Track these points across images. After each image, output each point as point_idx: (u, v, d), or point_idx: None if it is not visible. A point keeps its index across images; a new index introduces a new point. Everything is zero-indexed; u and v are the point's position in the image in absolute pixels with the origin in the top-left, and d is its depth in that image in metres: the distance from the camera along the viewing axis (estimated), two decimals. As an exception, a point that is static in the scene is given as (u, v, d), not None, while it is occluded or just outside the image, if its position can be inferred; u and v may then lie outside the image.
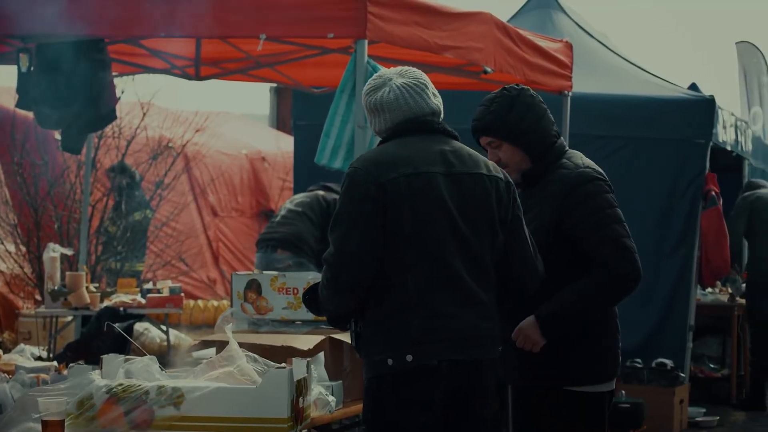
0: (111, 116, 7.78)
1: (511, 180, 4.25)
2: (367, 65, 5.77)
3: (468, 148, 4.22)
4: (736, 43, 15.76)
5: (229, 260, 14.00)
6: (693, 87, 10.76)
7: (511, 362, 4.50)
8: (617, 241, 4.49)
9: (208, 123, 13.35)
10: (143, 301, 8.54)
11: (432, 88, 4.22)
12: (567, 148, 4.69)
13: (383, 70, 4.29)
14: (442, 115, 4.23)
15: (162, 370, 4.15)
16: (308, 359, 4.25)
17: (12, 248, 10.59)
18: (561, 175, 4.55)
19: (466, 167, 4.12)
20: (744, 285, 11.06)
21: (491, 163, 4.22)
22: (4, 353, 6.71)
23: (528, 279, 4.26)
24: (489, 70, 7.13)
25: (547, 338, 4.45)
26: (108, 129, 10.73)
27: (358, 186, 4.01)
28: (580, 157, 4.66)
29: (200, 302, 12.81)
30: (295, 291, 5.38)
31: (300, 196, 9.27)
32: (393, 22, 6.02)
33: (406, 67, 4.28)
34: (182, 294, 8.74)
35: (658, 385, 9.37)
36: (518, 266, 4.22)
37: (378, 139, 4.28)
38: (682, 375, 9.59)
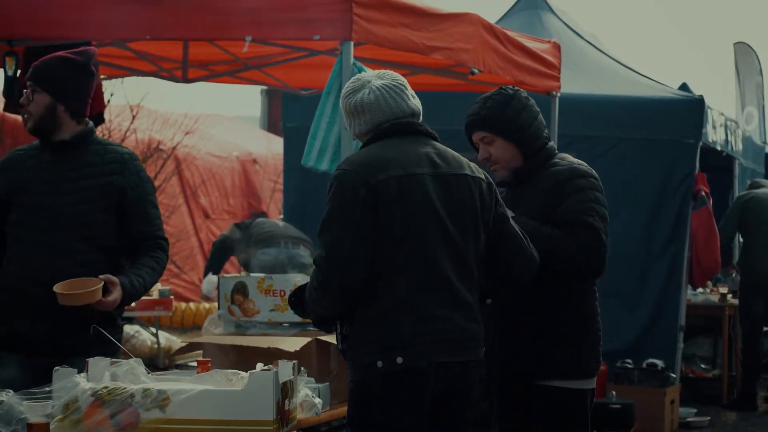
0: (99, 120, 7.76)
1: (492, 181, 4.27)
2: (353, 67, 5.77)
3: (450, 149, 4.23)
4: (734, 44, 15.81)
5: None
6: (683, 87, 10.79)
7: (496, 357, 4.52)
8: (596, 232, 4.55)
9: (199, 125, 13.34)
10: (133, 303, 8.52)
11: (411, 90, 4.24)
12: (557, 151, 4.77)
13: (361, 74, 4.30)
14: (421, 117, 4.24)
15: (148, 372, 4.14)
16: (294, 361, 4.25)
17: (3, 252, 10.57)
18: (554, 171, 4.64)
19: (451, 168, 4.14)
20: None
21: (473, 165, 4.24)
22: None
23: (524, 267, 4.28)
24: (476, 71, 7.14)
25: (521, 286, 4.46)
26: (97, 132, 10.70)
27: (348, 188, 4.00)
28: (571, 158, 4.77)
29: (191, 305, 12.79)
30: (282, 293, 5.39)
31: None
32: (379, 23, 6.01)
33: (383, 71, 4.31)
34: (172, 296, 8.73)
35: (649, 385, 9.38)
36: (513, 255, 4.24)
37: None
38: (673, 375, 9.60)
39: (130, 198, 4.85)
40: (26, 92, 4.80)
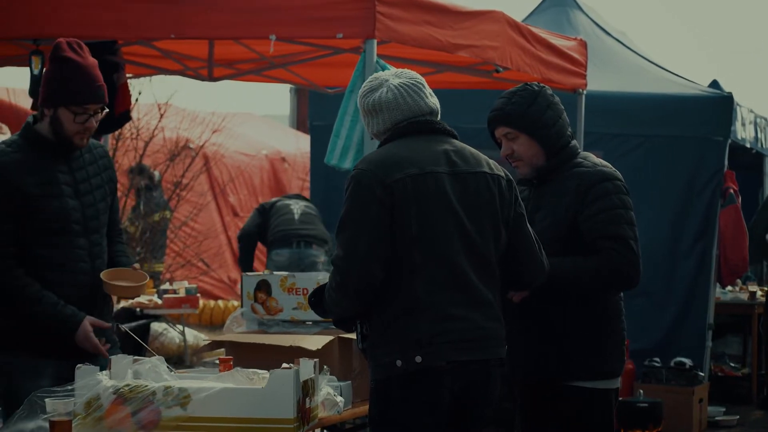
0: (126, 118, 7.80)
1: (512, 178, 4.25)
2: (377, 65, 5.76)
3: (469, 147, 4.22)
4: None
5: (251, 260, 14.01)
6: (714, 84, 10.72)
7: (519, 357, 4.50)
8: (625, 241, 4.52)
9: (228, 124, 13.38)
10: (160, 301, 8.58)
11: (428, 89, 4.23)
12: (580, 150, 4.73)
13: (378, 73, 4.29)
14: (439, 115, 4.23)
15: (171, 370, 4.16)
16: (315, 360, 4.25)
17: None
18: (579, 172, 4.59)
19: (469, 166, 4.12)
20: None
21: (492, 162, 4.23)
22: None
23: (533, 274, 4.27)
24: (500, 68, 7.12)
25: (530, 290, 4.44)
26: (126, 130, 10.77)
27: (364, 187, 4.00)
28: (594, 158, 4.72)
29: (220, 302, 12.82)
30: (305, 291, 5.37)
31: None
32: (403, 21, 6.01)
33: (401, 69, 4.30)
34: (198, 294, 8.77)
35: (677, 384, 9.34)
36: (523, 262, 4.23)
37: None
38: (701, 374, 9.55)
39: (114, 191, 4.92)
40: (96, 115, 4.64)
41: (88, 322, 4.59)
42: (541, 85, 4.72)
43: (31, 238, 4.61)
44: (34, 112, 8.19)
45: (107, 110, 4.70)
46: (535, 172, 4.65)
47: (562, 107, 4.71)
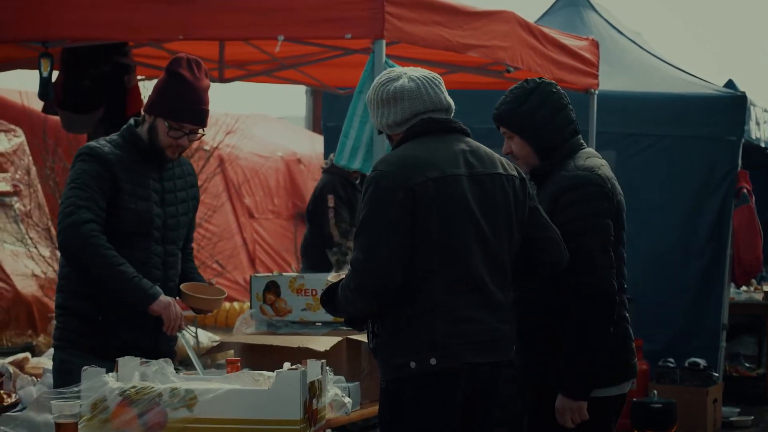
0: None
1: (524, 176, 4.23)
2: (385, 65, 5.75)
3: (483, 146, 4.20)
4: None
5: (266, 262, 14.03)
6: (729, 84, 10.68)
7: (521, 361, 4.45)
8: (589, 254, 4.31)
9: (242, 125, 13.34)
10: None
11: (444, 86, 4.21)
12: (584, 146, 4.57)
13: (393, 68, 4.27)
14: (453, 114, 4.21)
15: (177, 371, 4.16)
16: (323, 360, 4.24)
17: (46, 252, 10.63)
18: (559, 176, 4.44)
19: (485, 168, 4.10)
20: None
21: (505, 161, 4.21)
22: (39, 356, 6.79)
23: (559, 258, 4.22)
24: (511, 69, 7.10)
25: (585, 398, 4.35)
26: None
27: (385, 190, 3.96)
28: (585, 158, 4.49)
29: (236, 304, 12.80)
30: (314, 292, 5.38)
31: None
32: (412, 21, 5.99)
33: (413, 68, 4.27)
34: (211, 296, 8.76)
35: (691, 384, 9.32)
36: (542, 248, 4.20)
37: None
38: (716, 374, 9.53)
39: (195, 209, 5.03)
40: (191, 135, 4.77)
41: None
42: (540, 80, 4.54)
43: (112, 234, 4.65)
44: (46, 114, 8.27)
45: (204, 133, 4.80)
46: (531, 173, 4.52)
47: (564, 102, 4.51)
